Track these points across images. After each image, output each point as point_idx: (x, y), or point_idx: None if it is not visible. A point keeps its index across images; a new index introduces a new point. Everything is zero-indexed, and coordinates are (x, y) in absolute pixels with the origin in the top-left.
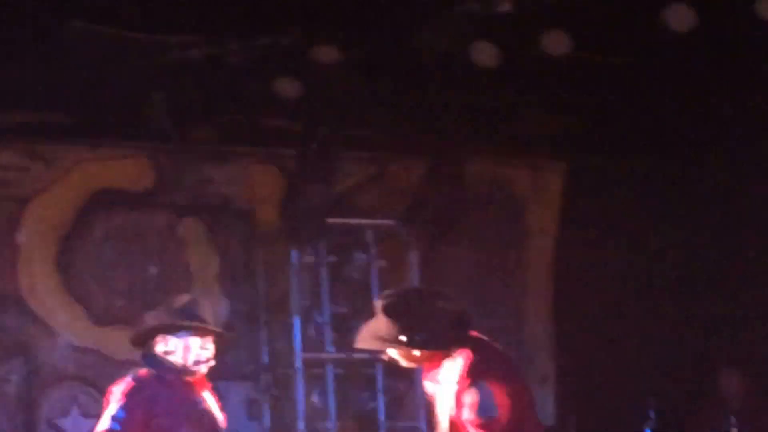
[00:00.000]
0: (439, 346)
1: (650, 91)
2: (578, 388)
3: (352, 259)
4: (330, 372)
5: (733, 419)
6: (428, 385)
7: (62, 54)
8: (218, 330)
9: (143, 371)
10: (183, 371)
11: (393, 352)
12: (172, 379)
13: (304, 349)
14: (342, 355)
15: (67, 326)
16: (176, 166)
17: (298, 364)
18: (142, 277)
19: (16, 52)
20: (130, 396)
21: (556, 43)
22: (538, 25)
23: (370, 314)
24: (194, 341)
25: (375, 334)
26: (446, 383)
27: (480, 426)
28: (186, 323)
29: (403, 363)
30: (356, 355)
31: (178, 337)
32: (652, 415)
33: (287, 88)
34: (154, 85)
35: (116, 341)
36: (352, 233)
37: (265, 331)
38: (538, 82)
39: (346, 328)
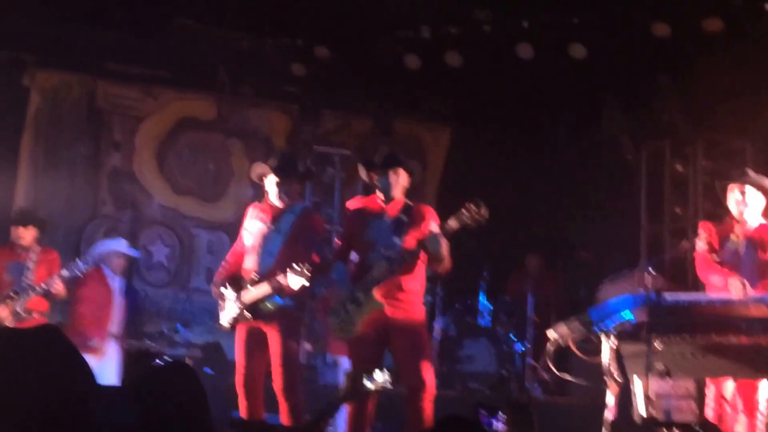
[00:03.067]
0: None
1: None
2: None
3: (326, 171)
4: None
5: (530, 282)
6: None
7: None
8: None
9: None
10: None
11: None
12: None
13: None
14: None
15: (159, 193)
16: (229, 108)
17: None
18: (204, 170)
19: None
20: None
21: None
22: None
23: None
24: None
25: None
26: None
27: None
28: None
29: None
30: None
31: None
32: (485, 276)
33: (297, 70)
34: (220, 61)
35: (186, 204)
36: (327, 156)
37: None
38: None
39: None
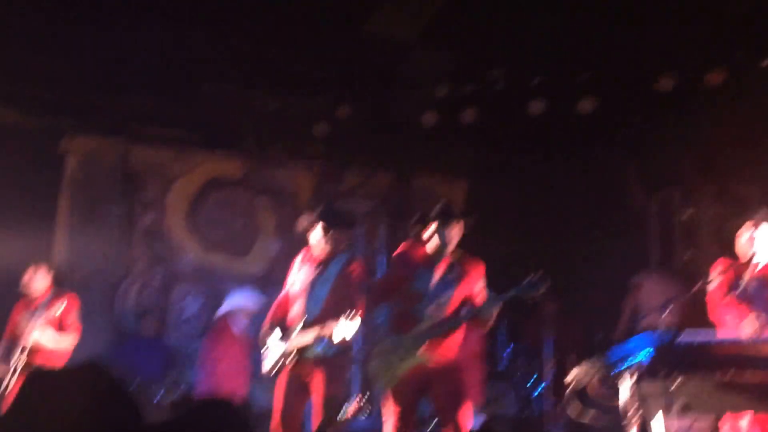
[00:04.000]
0: None
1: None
2: None
3: (355, 221)
4: None
5: (547, 327)
6: None
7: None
8: None
9: None
10: None
11: None
12: None
13: None
14: None
15: (190, 250)
16: (255, 167)
17: None
18: (232, 227)
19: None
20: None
21: (468, 115)
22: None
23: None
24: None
25: None
26: None
27: None
28: None
29: None
30: None
31: None
32: (505, 321)
33: (320, 129)
34: (247, 122)
35: (215, 261)
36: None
37: None
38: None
39: None
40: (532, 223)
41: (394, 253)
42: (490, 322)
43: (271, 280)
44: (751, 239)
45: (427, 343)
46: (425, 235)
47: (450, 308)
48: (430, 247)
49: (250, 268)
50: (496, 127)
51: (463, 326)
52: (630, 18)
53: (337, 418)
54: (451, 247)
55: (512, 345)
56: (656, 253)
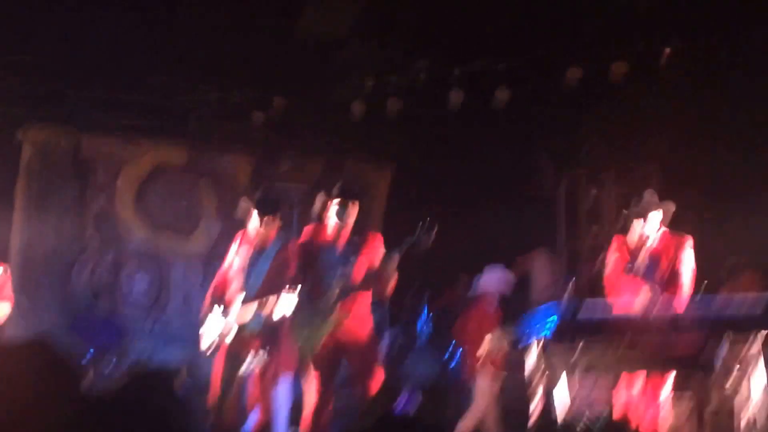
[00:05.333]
0: None
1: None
2: None
3: (290, 204)
4: None
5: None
6: None
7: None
8: None
9: None
10: None
11: None
12: None
13: None
14: None
15: (138, 230)
16: (199, 153)
17: None
18: (177, 206)
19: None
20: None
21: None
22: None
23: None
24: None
25: None
26: None
27: None
28: None
29: None
30: None
31: None
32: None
33: (258, 117)
34: (190, 112)
35: (162, 239)
36: (285, 192)
37: None
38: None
39: None
40: (452, 203)
41: (301, 235)
42: (393, 281)
43: (214, 257)
44: (641, 220)
45: (338, 306)
46: (328, 214)
47: (355, 275)
48: (332, 224)
49: (195, 248)
50: (420, 115)
51: (369, 290)
52: (541, 12)
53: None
54: (350, 222)
55: (431, 317)
56: (564, 231)
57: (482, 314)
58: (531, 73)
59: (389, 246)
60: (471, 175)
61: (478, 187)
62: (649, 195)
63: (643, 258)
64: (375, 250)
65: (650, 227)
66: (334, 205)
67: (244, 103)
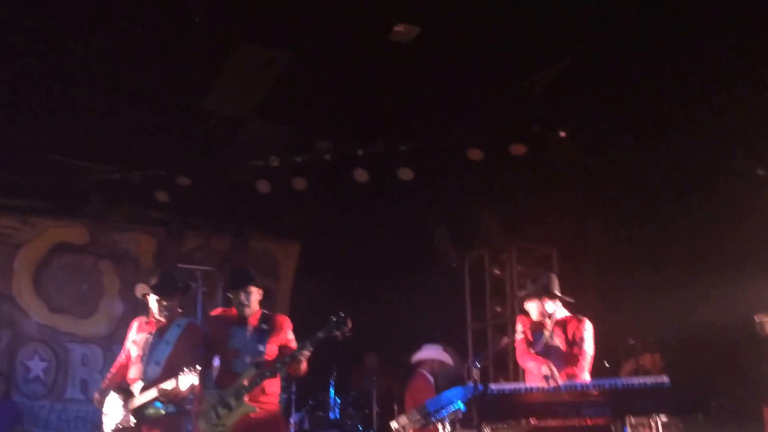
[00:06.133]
0: None
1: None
2: None
3: (190, 287)
4: None
5: (374, 379)
6: None
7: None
8: None
9: None
10: None
11: None
12: None
13: None
14: None
15: (36, 313)
16: (100, 233)
17: None
18: (78, 289)
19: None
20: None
21: (299, 183)
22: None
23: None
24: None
25: None
26: None
27: None
28: None
29: None
30: None
31: None
32: (334, 374)
33: (162, 197)
34: (92, 191)
35: (61, 322)
36: (190, 272)
37: None
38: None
39: None
40: (359, 282)
41: (210, 316)
42: (304, 367)
43: (115, 340)
44: (538, 309)
45: (248, 394)
46: (232, 299)
47: (266, 359)
48: (238, 308)
49: (95, 329)
50: (325, 193)
51: (278, 376)
52: (443, 95)
53: None
54: (253, 307)
55: (342, 396)
56: (470, 310)
57: (419, 388)
58: (433, 154)
59: (299, 328)
60: (377, 254)
61: (386, 265)
62: (545, 278)
63: (543, 339)
64: (285, 332)
65: (548, 308)
66: (239, 295)
67: (147, 182)
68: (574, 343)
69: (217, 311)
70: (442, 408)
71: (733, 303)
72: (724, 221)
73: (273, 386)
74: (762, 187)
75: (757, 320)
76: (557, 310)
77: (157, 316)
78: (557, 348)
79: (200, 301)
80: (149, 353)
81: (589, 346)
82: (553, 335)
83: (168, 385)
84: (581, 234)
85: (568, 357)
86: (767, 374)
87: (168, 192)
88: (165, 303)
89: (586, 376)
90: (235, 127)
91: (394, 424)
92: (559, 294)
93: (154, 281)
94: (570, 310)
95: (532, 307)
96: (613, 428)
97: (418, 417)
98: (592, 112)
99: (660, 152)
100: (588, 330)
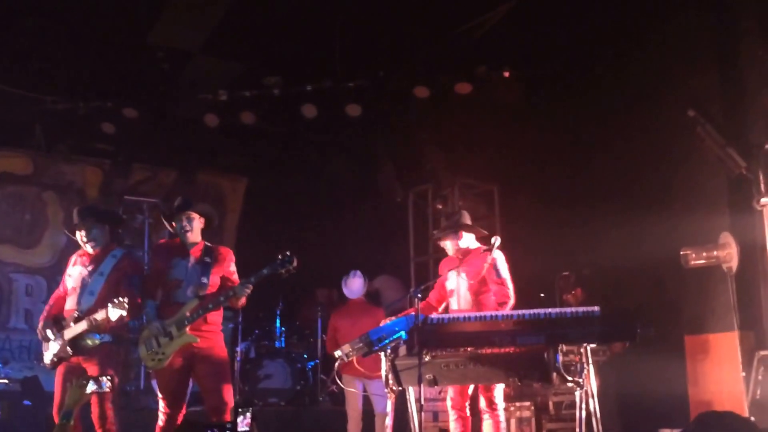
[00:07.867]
0: None
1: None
2: None
3: (136, 218)
4: None
5: (321, 309)
6: None
7: None
8: None
9: None
10: None
11: None
12: None
13: None
14: None
15: None
16: (45, 163)
17: None
18: (21, 219)
19: None
20: None
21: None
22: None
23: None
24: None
25: None
26: None
27: None
28: None
29: None
30: None
31: None
32: (281, 304)
33: (108, 128)
34: (37, 121)
35: (5, 252)
36: (137, 204)
37: None
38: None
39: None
40: (306, 215)
41: (154, 247)
42: (243, 301)
43: (59, 271)
44: (452, 242)
45: (190, 324)
46: (175, 228)
47: (208, 291)
48: (180, 236)
49: (38, 260)
50: (273, 128)
51: (221, 309)
52: (390, 34)
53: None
54: (195, 233)
55: (287, 325)
56: (413, 244)
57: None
58: (380, 91)
59: (246, 262)
60: (324, 188)
61: (332, 200)
62: (457, 215)
63: (460, 272)
64: (228, 264)
65: (461, 244)
66: (182, 220)
67: (93, 113)
68: (491, 273)
69: (160, 243)
70: (385, 337)
71: (662, 238)
72: (657, 160)
73: (215, 315)
74: (692, 128)
75: (683, 254)
76: (471, 244)
77: (87, 249)
78: (469, 282)
79: (147, 232)
80: (85, 285)
81: (505, 273)
82: (463, 269)
83: (99, 315)
84: (522, 172)
85: (479, 289)
86: (689, 305)
87: (114, 124)
88: (93, 233)
89: (509, 306)
90: (184, 62)
91: (337, 353)
92: (470, 224)
93: (77, 210)
94: (483, 243)
95: (448, 245)
96: (546, 356)
97: (361, 345)
98: (535, 53)
99: (598, 91)
100: (499, 258)
